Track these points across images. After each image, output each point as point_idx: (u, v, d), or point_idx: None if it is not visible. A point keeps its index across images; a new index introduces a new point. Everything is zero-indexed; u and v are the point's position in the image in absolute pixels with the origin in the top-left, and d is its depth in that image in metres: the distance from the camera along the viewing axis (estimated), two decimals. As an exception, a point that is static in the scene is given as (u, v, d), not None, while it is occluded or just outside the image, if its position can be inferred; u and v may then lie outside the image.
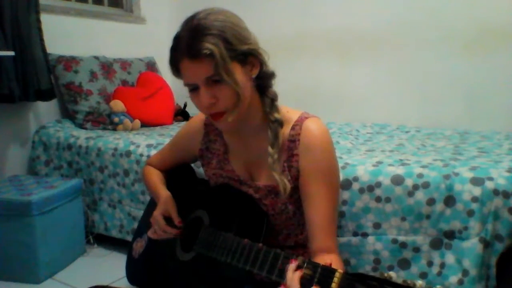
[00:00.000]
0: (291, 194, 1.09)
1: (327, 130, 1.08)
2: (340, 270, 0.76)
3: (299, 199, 1.10)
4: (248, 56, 1.02)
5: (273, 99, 1.09)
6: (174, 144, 1.39)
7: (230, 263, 0.99)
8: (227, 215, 1.12)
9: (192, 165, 1.43)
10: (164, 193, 1.29)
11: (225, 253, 1.02)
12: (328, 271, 0.78)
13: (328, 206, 1.04)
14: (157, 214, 1.23)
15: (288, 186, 1.06)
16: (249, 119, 1.09)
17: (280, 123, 1.07)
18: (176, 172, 1.40)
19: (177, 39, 1.01)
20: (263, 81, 1.08)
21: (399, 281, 0.66)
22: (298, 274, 0.82)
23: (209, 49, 0.94)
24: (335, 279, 0.75)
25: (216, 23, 0.97)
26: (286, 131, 1.08)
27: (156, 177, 1.38)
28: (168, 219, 1.23)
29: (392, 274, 0.67)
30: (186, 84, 1.03)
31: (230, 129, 1.10)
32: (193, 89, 1.02)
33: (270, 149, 1.06)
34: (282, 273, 0.85)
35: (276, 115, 1.07)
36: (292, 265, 0.84)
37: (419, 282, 0.64)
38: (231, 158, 1.20)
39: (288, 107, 1.13)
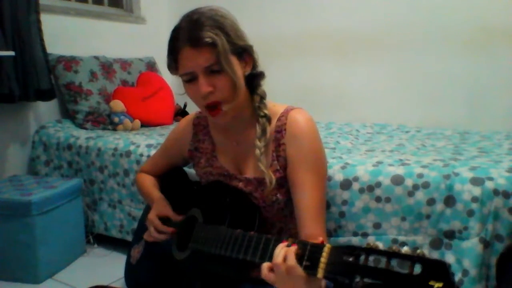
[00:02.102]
0: (282, 184, 1.11)
1: (312, 119, 1.11)
2: (329, 245, 0.78)
3: (289, 189, 1.12)
4: (244, 52, 1.07)
5: (262, 96, 1.13)
6: (165, 148, 1.41)
7: (224, 254, 0.99)
8: (220, 211, 1.13)
9: (185, 167, 1.43)
10: (156, 195, 1.32)
11: (218, 245, 1.02)
12: (317, 247, 0.79)
13: (316, 193, 1.06)
14: (152, 216, 1.24)
15: (273, 178, 1.09)
16: (239, 116, 1.12)
17: (268, 119, 1.11)
18: (169, 175, 1.42)
19: (177, 30, 1.05)
20: (254, 80, 1.12)
21: (385, 248, 0.67)
22: (284, 250, 0.83)
23: (211, 38, 0.98)
24: (324, 254, 0.76)
25: (217, 17, 1.02)
26: (272, 123, 1.12)
27: (148, 182, 1.40)
28: (163, 220, 1.24)
29: (378, 244, 0.68)
30: (183, 74, 1.04)
31: (225, 123, 1.12)
32: (190, 79, 1.04)
33: (257, 142, 1.09)
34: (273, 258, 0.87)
35: (265, 111, 1.11)
36: (282, 244, 0.86)
37: (405, 249, 0.65)
38: (219, 155, 1.22)
39: (274, 102, 1.16)
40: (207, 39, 0.98)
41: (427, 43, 2.50)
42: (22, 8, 2.14)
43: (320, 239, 0.85)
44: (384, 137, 2.14)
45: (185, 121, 1.33)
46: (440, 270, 0.61)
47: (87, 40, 2.69)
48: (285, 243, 0.86)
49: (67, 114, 2.48)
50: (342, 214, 1.42)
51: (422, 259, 0.62)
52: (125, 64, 2.78)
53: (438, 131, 2.21)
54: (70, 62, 2.44)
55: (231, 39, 1.02)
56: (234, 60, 1.03)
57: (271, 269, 0.85)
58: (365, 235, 1.41)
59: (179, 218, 1.22)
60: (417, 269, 0.62)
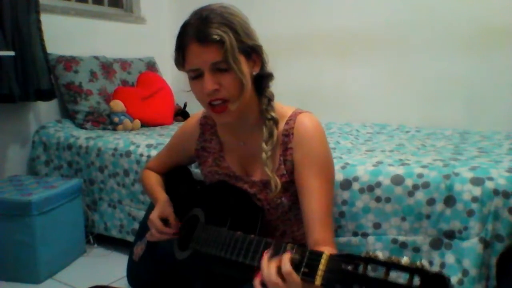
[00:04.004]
0: (287, 188, 1.11)
1: (320, 123, 1.11)
2: (327, 253, 0.77)
3: (294, 193, 1.11)
4: (252, 52, 1.05)
5: (270, 98, 1.12)
6: (171, 146, 1.41)
7: (224, 257, 0.99)
8: (222, 212, 1.13)
9: (189, 166, 1.43)
10: (161, 196, 1.31)
11: (219, 247, 1.02)
12: (315, 254, 0.79)
13: (323, 197, 1.05)
14: (153, 216, 1.24)
15: (279, 182, 1.08)
16: (246, 117, 1.11)
17: (275, 121, 1.10)
18: (174, 173, 1.41)
19: (185, 26, 1.03)
20: (262, 81, 1.11)
21: (384, 258, 0.67)
22: (275, 261, 0.83)
23: (219, 35, 0.97)
24: (322, 261, 0.76)
25: (226, 15, 1.01)
26: (280, 126, 1.11)
27: (154, 181, 1.39)
28: (165, 221, 1.24)
29: (378, 253, 0.68)
30: (189, 70, 1.03)
31: (230, 123, 1.11)
32: (196, 76, 1.03)
33: (264, 146, 1.08)
34: None
35: (272, 113, 1.10)
36: (265, 256, 0.85)
37: (404, 259, 0.65)
38: (226, 155, 1.22)
39: (282, 104, 1.15)
40: (215, 36, 0.97)
41: (427, 43, 2.50)
42: (22, 8, 2.14)
43: (325, 247, 0.84)
44: (384, 137, 2.14)
45: (192, 120, 1.32)
46: (440, 284, 0.60)
47: (87, 40, 2.69)
48: (267, 255, 0.85)
49: (67, 114, 2.48)
50: (342, 214, 1.42)
51: (421, 271, 0.62)
52: (125, 64, 2.77)
53: (438, 131, 2.21)
54: (70, 62, 2.44)
55: (239, 37, 1.00)
56: (242, 59, 1.01)
57: (264, 285, 0.84)
58: (365, 235, 1.41)
59: (176, 224, 1.22)
60: (416, 280, 0.62)
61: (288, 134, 1.09)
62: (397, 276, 0.64)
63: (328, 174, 1.08)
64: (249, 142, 1.15)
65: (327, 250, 0.81)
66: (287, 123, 1.10)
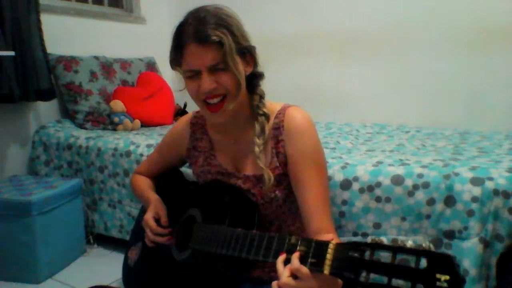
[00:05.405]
0: (280, 181, 1.12)
1: (309, 115, 1.12)
2: (334, 241, 0.77)
3: (288, 186, 1.12)
4: (247, 53, 1.07)
5: (261, 96, 1.15)
6: (162, 148, 1.42)
7: (226, 254, 0.99)
8: (219, 210, 1.13)
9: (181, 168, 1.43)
10: (153, 196, 1.31)
11: (220, 245, 1.02)
12: (322, 244, 0.79)
13: (320, 187, 1.06)
14: (147, 216, 1.24)
15: (272, 175, 1.09)
16: (238, 116, 1.12)
17: (267, 117, 1.12)
18: (165, 176, 1.41)
19: (183, 25, 1.04)
20: (254, 80, 1.13)
21: (390, 243, 0.68)
22: (288, 266, 0.82)
23: (219, 37, 0.99)
24: (329, 250, 0.76)
25: (223, 16, 1.03)
26: (270, 121, 1.13)
27: (144, 184, 1.40)
28: (159, 221, 1.24)
29: (383, 238, 0.68)
30: (187, 71, 1.05)
31: (223, 122, 1.12)
32: (193, 75, 1.04)
33: (256, 140, 1.10)
34: (277, 255, 0.86)
35: (264, 109, 1.12)
36: (281, 258, 0.85)
37: (409, 242, 0.65)
38: (217, 153, 1.23)
39: (271, 101, 1.17)
40: (214, 38, 0.99)
41: (427, 43, 2.50)
42: (22, 8, 2.14)
43: (330, 236, 0.84)
44: (384, 137, 2.14)
45: (182, 121, 1.33)
46: (446, 263, 0.61)
47: (87, 40, 2.69)
48: (283, 256, 0.85)
49: (67, 114, 2.48)
50: (342, 214, 1.42)
51: (427, 253, 0.63)
52: (125, 64, 2.77)
53: (438, 131, 2.21)
54: (70, 62, 2.44)
55: (236, 38, 1.02)
56: (238, 60, 1.03)
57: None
58: (365, 235, 1.41)
59: (166, 223, 1.22)
60: (423, 262, 0.63)
61: (278, 127, 1.11)
62: (403, 260, 0.65)
63: (321, 164, 1.09)
64: (240, 140, 1.17)
65: (331, 239, 0.81)
66: (276, 117, 1.12)
